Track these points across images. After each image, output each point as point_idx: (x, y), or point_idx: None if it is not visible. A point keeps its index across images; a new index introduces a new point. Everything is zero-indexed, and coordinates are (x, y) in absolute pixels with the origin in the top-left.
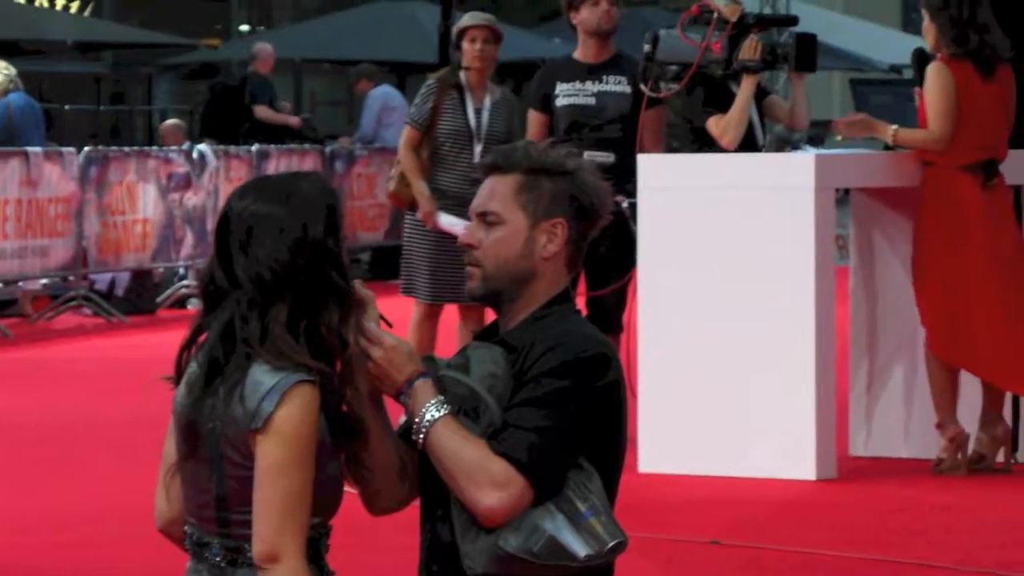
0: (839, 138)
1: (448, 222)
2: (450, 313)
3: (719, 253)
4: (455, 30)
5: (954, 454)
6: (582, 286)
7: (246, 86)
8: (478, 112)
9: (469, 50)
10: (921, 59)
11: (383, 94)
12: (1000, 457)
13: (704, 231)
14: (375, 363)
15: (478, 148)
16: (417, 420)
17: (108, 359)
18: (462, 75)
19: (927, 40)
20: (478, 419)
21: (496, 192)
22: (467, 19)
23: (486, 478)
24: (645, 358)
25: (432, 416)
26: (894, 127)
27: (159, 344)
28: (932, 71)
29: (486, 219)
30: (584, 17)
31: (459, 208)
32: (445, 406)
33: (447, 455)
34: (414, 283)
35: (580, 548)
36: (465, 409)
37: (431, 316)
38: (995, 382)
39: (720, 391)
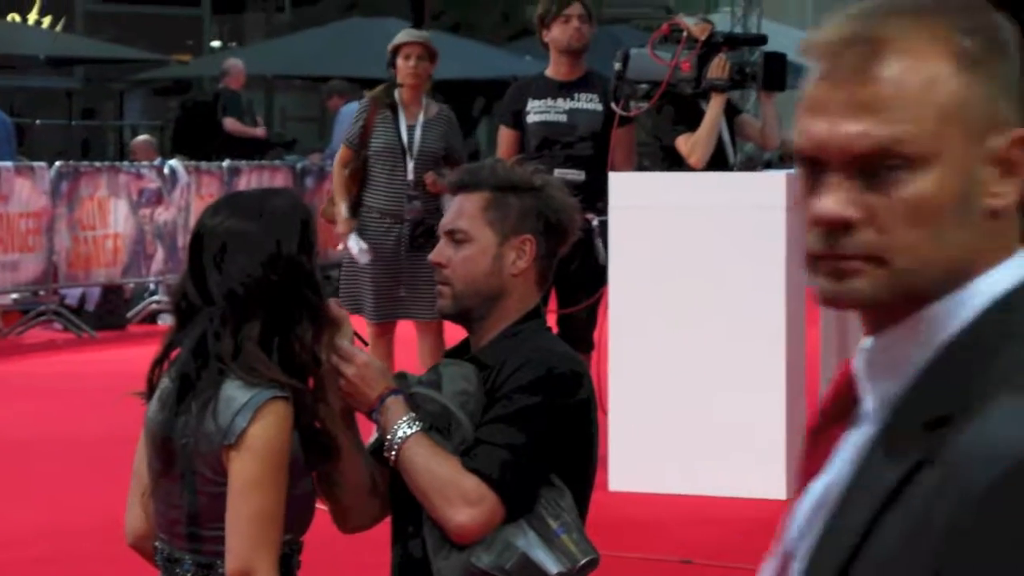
0: None
1: (352, 244)
2: (408, 329)
3: (690, 272)
4: (389, 47)
5: None
6: (553, 303)
7: (218, 102)
8: (411, 129)
9: (403, 67)
10: None
11: (355, 111)
12: None
13: (675, 250)
14: (347, 380)
15: (411, 164)
16: (389, 437)
17: (78, 374)
18: (396, 92)
19: None
20: (450, 436)
21: (464, 210)
22: (401, 36)
23: (458, 495)
24: (615, 376)
25: (404, 433)
26: None
27: (129, 359)
28: None
29: (454, 237)
30: (555, 35)
31: (392, 224)
32: (417, 423)
33: (419, 472)
34: (360, 303)
35: (552, 565)
36: (437, 426)
37: (383, 334)
38: None
39: (691, 409)
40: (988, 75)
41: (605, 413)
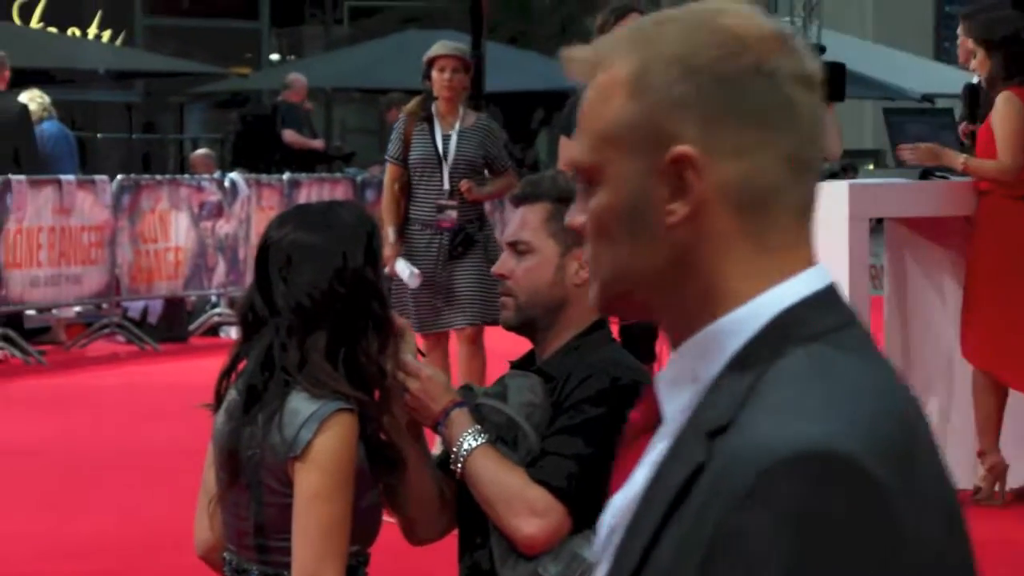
0: (871, 168)
1: (399, 268)
2: (493, 341)
3: None
4: (424, 60)
5: (991, 484)
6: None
7: (276, 115)
8: (446, 138)
9: (438, 79)
10: (972, 94)
11: None
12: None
13: None
14: (412, 394)
15: (446, 173)
16: (455, 449)
17: (141, 386)
18: (433, 105)
19: (981, 73)
20: (516, 448)
21: (526, 221)
22: (436, 48)
23: (525, 506)
24: None
25: (470, 445)
26: (963, 156)
27: (191, 371)
28: (1003, 102)
29: (517, 248)
30: None
31: (432, 234)
32: (483, 435)
33: (485, 483)
34: (407, 316)
35: None
36: (503, 438)
37: (434, 347)
38: None
39: None
40: (656, 96)
41: None
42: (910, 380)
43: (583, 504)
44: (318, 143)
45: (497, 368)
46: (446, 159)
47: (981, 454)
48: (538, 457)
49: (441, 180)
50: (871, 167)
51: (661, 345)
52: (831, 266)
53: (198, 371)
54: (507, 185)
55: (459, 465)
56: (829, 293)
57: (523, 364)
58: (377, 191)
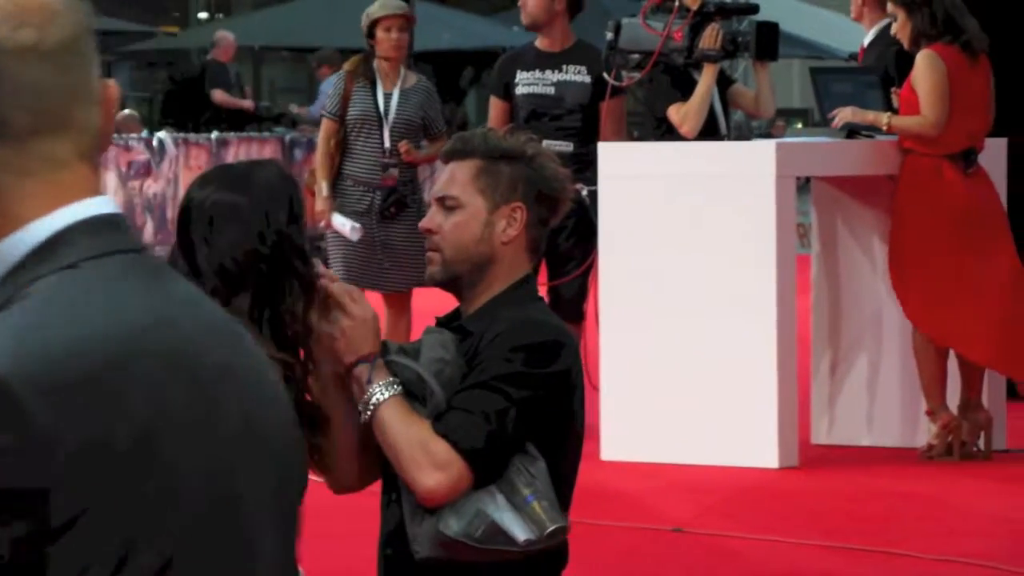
0: (799, 126)
1: (339, 223)
2: (423, 301)
3: (680, 241)
4: (366, 19)
5: (945, 440)
6: (543, 276)
7: (205, 74)
8: (388, 97)
9: (385, 39)
10: (900, 58)
11: None
12: (981, 443)
13: (665, 219)
14: (338, 332)
15: (387, 132)
16: (365, 399)
17: None
18: (375, 63)
19: (901, 37)
20: (425, 404)
21: (455, 177)
22: (378, 8)
23: (427, 459)
24: (606, 347)
25: (379, 397)
26: (887, 114)
27: None
28: (924, 59)
29: (445, 203)
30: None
31: (365, 192)
32: (394, 387)
33: (391, 435)
34: (344, 273)
35: (520, 532)
36: (414, 393)
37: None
38: (990, 366)
39: (681, 379)
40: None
41: (595, 386)
42: (839, 337)
43: (485, 459)
44: (248, 103)
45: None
46: (387, 118)
47: (930, 413)
48: (444, 412)
49: (381, 139)
50: (799, 126)
51: (589, 304)
52: (758, 224)
53: None
54: (437, 153)
55: (367, 415)
56: (106, 221)
57: (448, 321)
58: (306, 150)
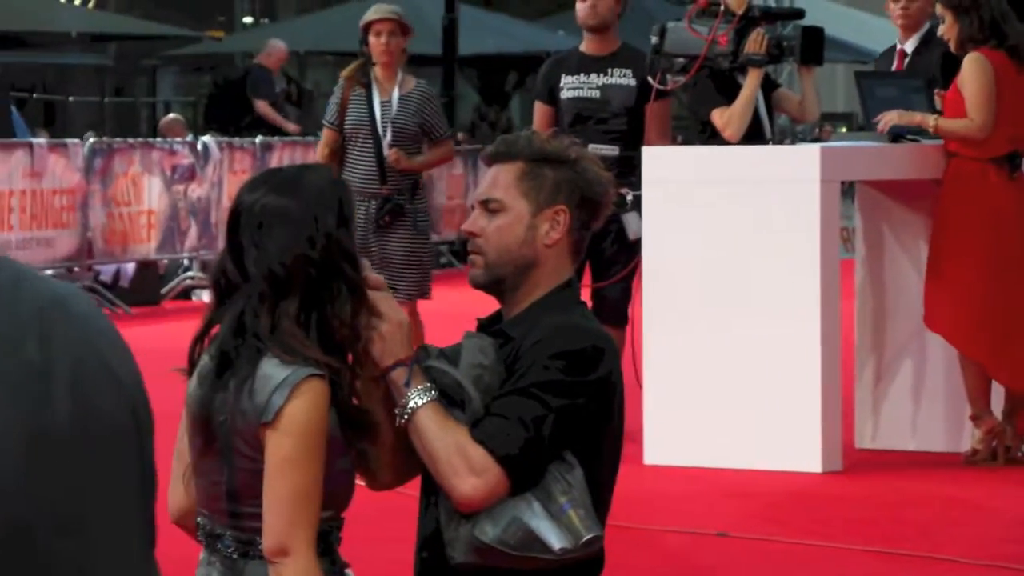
0: (844, 130)
1: None
2: (445, 304)
3: (724, 245)
4: (361, 24)
5: (989, 445)
6: (587, 278)
7: (248, 79)
8: (384, 104)
9: (375, 44)
10: (946, 61)
11: None
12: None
13: (709, 223)
14: (376, 337)
15: (386, 140)
16: (403, 404)
17: None
18: (372, 70)
19: (948, 39)
20: (463, 410)
21: (499, 180)
22: (371, 13)
23: (464, 464)
24: (650, 351)
25: (416, 403)
26: (934, 116)
27: (164, 335)
28: (971, 62)
29: (488, 206)
30: (577, 12)
31: (360, 202)
32: (431, 393)
33: (427, 440)
34: None
35: (556, 540)
36: (452, 399)
37: None
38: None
39: (726, 383)
40: None
41: (640, 386)
42: (883, 342)
43: (522, 466)
44: (293, 127)
45: (464, 326)
46: (383, 125)
47: (974, 418)
48: (482, 418)
49: (376, 147)
50: (843, 130)
51: (634, 308)
52: (803, 228)
53: (170, 335)
54: (444, 154)
55: (404, 420)
56: None
57: (490, 323)
58: None
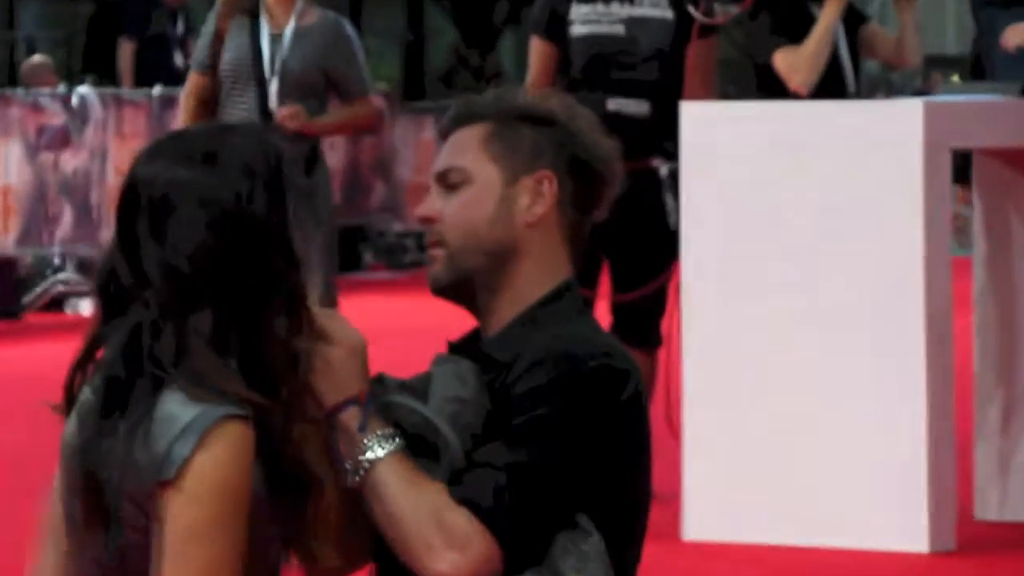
0: (956, 79)
1: None
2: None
3: (792, 236)
4: None
5: None
6: (606, 286)
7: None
8: (275, 40)
9: None
10: None
11: None
12: None
13: (770, 207)
14: (319, 367)
15: (272, 89)
16: (356, 456)
17: None
18: None
19: None
20: (438, 460)
21: (460, 144)
22: None
23: (440, 535)
24: (690, 383)
25: (375, 453)
26: None
27: (27, 359)
28: None
29: (447, 180)
30: None
31: None
32: (393, 440)
33: (390, 504)
34: None
35: None
36: (421, 445)
37: None
38: None
39: (792, 430)
40: None
41: (676, 435)
42: (1014, 374)
43: (519, 533)
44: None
45: (434, 347)
46: (272, 68)
47: None
48: (464, 469)
49: (261, 97)
50: (955, 79)
51: (669, 325)
52: (900, 215)
53: (36, 358)
54: (359, 118)
55: (358, 477)
56: None
57: (464, 346)
58: None
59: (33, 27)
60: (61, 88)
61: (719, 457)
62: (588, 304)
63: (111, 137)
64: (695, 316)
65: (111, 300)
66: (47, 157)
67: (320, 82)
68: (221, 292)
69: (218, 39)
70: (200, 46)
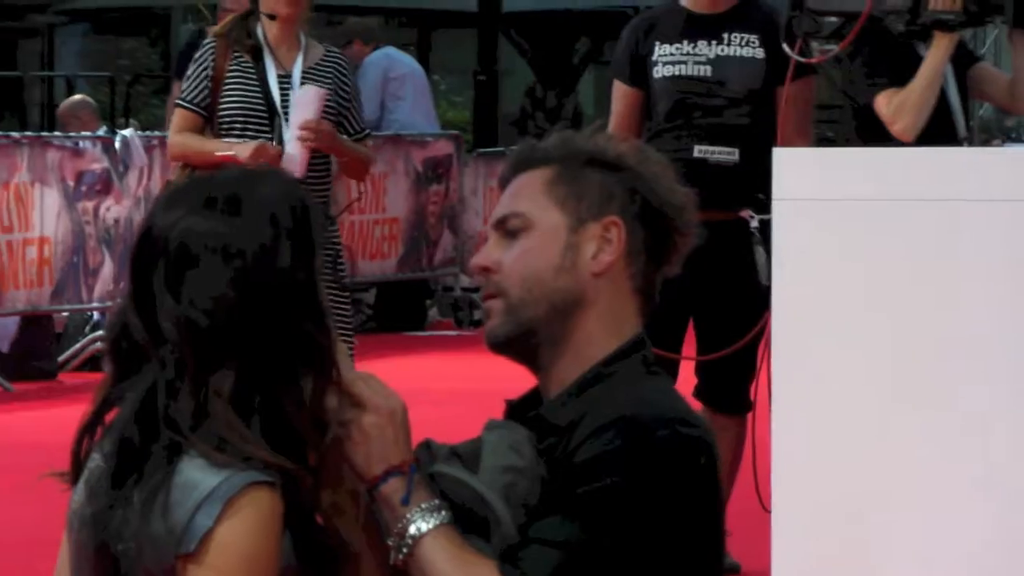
0: None
1: (289, 155)
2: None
3: (894, 298)
4: None
5: None
6: (690, 347)
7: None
8: (283, 81)
9: None
10: None
11: (384, 60)
12: None
13: (872, 263)
14: (355, 436)
15: (287, 135)
16: (400, 530)
17: None
18: (259, 28)
19: None
20: (488, 536)
21: (521, 190)
22: None
23: None
24: (781, 454)
25: (419, 528)
26: None
27: (61, 424)
28: None
29: (507, 227)
30: None
31: None
32: (440, 514)
33: None
34: None
35: None
36: (471, 521)
37: None
38: None
39: (891, 506)
40: None
41: (766, 508)
42: None
43: None
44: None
45: (486, 410)
46: (284, 113)
47: None
48: (517, 546)
49: (277, 140)
50: None
51: (758, 389)
52: (1018, 276)
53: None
54: (364, 155)
55: (402, 554)
56: None
57: (524, 407)
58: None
59: (73, 65)
60: (102, 130)
61: (810, 533)
62: (667, 365)
63: (157, 183)
64: (786, 379)
65: (124, 358)
66: (86, 205)
67: (333, 120)
68: (243, 350)
69: (216, 79)
70: (194, 82)
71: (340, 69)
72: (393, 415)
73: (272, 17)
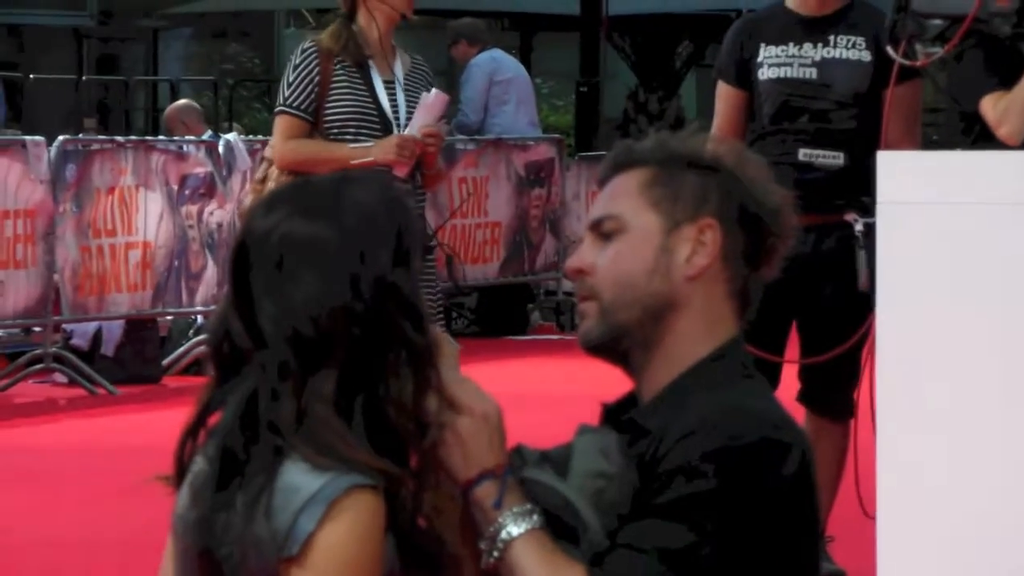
0: None
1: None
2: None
3: (1002, 301)
4: None
5: None
6: (792, 351)
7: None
8: (389, 87)
9: None
10: None
11: (489, 63)
12: None
13: (976, 267)
14: (450, 439)
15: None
16: (491, 533)
17: (89, 448)
18: (357, 32)
19: None
20: (578, 542)
21: (617, 191)
22: None
23: None
24: (886, 461)
25: (511, 532)
26: None
27: (165, 427)
28: None
29: (602, 229)
30: None
31: None
32: (532, 518)
33: None
34: None
35: None
36: (561, 528)
37: None
38: None
39: (998, 511)
40: None
41: (869, 516)
42: None
43: None
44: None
45: (579, 414)
46: (397, 120)
47: None
48: (606, 551)
49: None
50: None
51: (861, 394)
52: None
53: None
54: (443, 172)
55: (493, 557)
56: None
57: (621, 410)
58: (443, 162)
59: (177, 70)
60: (207, 135)
61: (915, 540)
62: (769, 368)
63: None
64: (889, 385)
65: (225, 362)
66: (190, 209)
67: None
68: (343, 353)
69: (323, 85)
70: (299, 88)
71: (429, 78)
72: (487, 418)
73: (372, 20)
